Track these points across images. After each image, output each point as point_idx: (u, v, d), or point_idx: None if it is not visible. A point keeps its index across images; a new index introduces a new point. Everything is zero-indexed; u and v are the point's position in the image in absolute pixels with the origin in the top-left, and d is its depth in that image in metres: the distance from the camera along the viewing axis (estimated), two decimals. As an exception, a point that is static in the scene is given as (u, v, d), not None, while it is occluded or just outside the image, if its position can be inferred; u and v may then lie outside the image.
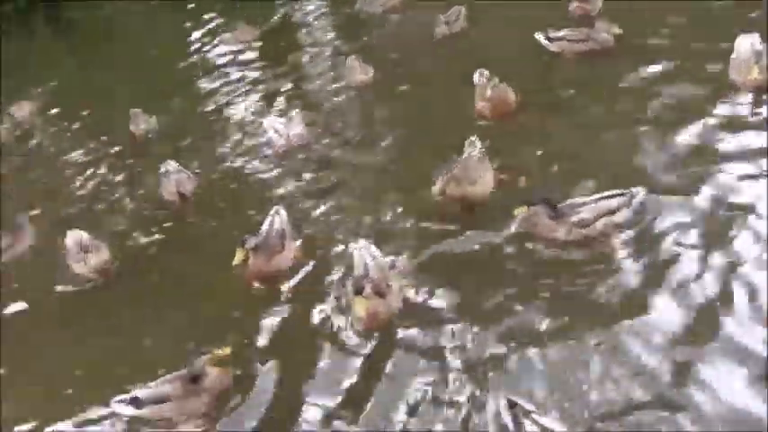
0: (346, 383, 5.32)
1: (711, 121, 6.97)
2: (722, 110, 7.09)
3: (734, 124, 6.84)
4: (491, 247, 6.19)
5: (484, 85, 7.87)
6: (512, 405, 4.46)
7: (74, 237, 7.23)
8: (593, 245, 5.90)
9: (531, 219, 6.01)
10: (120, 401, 5.39)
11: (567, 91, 8.24)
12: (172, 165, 8.31)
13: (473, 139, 6.96)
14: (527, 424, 4.32)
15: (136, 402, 5.33)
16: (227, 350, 5.54)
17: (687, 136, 6.88)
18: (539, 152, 7.27)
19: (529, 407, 4.47)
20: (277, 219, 6.88)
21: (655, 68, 8.08)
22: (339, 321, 5.86)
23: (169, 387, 5.38)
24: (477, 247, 6.23)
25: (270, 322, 6.13)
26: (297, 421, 5.15)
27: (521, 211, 6.01)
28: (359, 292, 5.43)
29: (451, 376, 5.11)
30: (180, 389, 5.37)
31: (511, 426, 4.37)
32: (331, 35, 12.17)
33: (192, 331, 6.26)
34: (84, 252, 7.06)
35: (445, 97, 8.81)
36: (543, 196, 5.95)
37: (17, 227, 8.20)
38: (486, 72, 7.95)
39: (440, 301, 5.82)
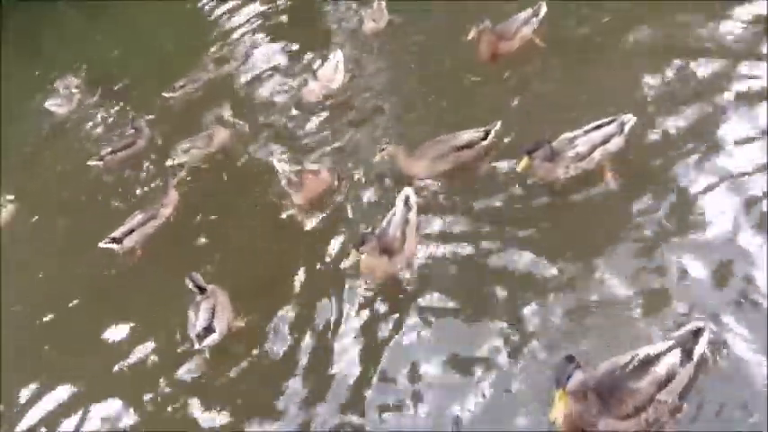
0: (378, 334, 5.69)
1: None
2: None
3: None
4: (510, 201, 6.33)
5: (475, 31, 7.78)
6: (570, 359, 4.10)
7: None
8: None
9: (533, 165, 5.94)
10: (198, 341, 5.86)
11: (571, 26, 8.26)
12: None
13: (491, 130, 6.71)
14: None
15: (209, 330, 5.88)
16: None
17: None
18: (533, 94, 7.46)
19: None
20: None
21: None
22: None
23: (206, 303, 6.05)
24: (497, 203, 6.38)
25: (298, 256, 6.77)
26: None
27: (523, 164, 5.91)
28: (357, 246, 5.57)
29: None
30: (213, 296, 6.13)
31: None
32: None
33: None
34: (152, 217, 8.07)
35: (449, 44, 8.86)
36: (537, 141, 5.89)
37: (137, 128, 9.83)
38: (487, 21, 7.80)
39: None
